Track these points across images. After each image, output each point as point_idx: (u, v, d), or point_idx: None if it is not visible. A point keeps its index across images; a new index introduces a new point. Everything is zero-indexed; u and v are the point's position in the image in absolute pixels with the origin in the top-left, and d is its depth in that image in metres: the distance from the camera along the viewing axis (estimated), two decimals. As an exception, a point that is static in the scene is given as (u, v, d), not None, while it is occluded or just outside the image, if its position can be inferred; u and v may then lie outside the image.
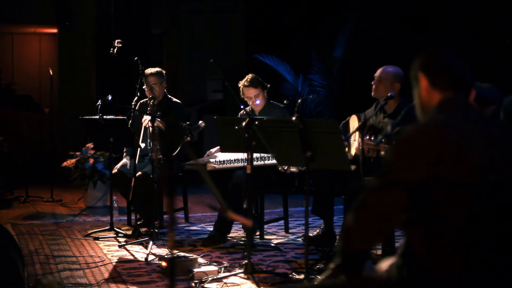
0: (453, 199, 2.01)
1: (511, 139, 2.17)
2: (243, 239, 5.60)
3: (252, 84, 5.70)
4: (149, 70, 6.12)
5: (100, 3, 9.57)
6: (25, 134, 8.03)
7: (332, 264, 2.17)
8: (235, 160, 5.55)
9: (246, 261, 4.41)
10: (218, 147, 5.60)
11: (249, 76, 5.74)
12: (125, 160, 6.17)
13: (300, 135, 4.11)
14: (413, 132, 2.13)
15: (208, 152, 5.75)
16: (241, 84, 5.74)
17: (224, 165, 5.51)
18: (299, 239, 5.69)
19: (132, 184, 5.69)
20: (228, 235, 5.58)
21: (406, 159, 2.09)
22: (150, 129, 5.58)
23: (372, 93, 5.09)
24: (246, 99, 5.78)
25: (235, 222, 5.70)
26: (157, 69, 6.22)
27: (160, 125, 5.59)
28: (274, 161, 5.36)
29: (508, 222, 2.04)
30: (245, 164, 4.83)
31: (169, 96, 6.30)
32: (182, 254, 4.80)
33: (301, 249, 5.21)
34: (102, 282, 4.32)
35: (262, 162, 5.52)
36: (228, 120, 5.24)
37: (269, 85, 5.81)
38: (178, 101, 6.33)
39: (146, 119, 5.87)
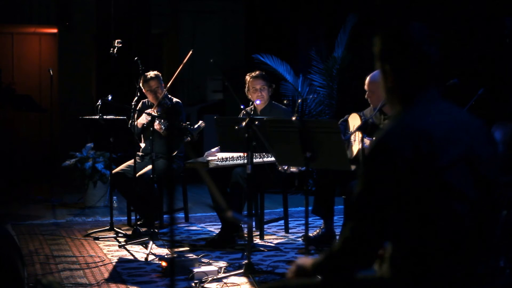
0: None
1: None
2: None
3: (261, 76, 5.78)
4: (149, 74, 6.12)
5: (100, 3, 9.57)
6: (25, 134, 8.02)
7: None
8: (237, 157, 5.54)
9: (246, 261, 4.41)
10: (218, 147, 5.60)
11: (258, 71, 5.85)
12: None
13: (300, 135, 4.11)
14: None
15: (206, 153, 5.74)
16: (248, 76, 5.76)
17: (226, 162, 5.50)
18: (299, 239, 5.68)
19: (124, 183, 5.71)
20: (235, 234, 5.54)
21: None
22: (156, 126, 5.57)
23: (371, 105, 5.10)
24: (250, 93, 5.76)
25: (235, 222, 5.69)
26: (155, 72, 6.23)
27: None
28: (272, 159, 5.35)
29: None
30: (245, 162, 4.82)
31: (170, 96, 6.30)
32: (182, 254, 4.80)
33: (301, 249, 5.22)
34: (102, 282, 4.32)
35: (261, 160, 5.50)
36: (228, 120, 5.24)
37: (274, 85, 5.90)
38: (178, 100, 6.33)
39: (142, 118, 5.89)
